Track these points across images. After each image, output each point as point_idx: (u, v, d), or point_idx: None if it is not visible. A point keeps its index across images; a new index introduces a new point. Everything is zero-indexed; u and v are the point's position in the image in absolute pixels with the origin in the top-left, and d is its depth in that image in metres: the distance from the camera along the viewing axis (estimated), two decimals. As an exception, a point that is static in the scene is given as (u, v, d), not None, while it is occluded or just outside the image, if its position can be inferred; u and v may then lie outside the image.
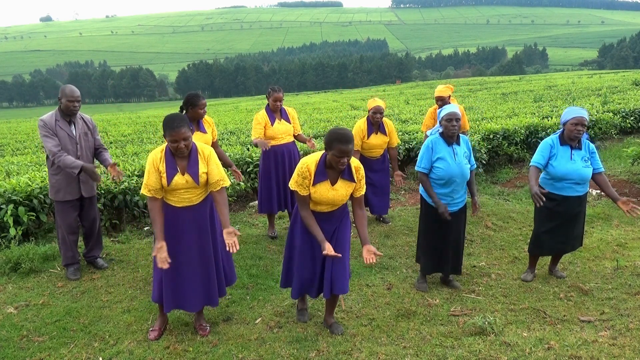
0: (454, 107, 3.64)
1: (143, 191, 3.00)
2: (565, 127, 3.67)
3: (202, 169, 3.04)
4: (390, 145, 5.23)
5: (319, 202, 2.93)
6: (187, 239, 3.11)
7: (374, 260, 2.82)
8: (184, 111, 4.28)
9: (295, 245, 3.16)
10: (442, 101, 5.46)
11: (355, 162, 3.02)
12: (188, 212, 3.09)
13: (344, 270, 3.10)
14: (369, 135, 5.05)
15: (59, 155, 3.93)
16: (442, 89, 5.54)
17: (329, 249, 2.82)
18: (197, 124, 4.35)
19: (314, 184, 2.91)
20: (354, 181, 2.98)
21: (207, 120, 4.50)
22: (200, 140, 4.23)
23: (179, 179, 2.98)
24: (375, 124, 5.08)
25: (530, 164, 3.76)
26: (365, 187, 3.09)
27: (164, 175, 2.97)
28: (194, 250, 3.12)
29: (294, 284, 3.20)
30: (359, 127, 5.07)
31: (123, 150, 10.51)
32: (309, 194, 2.92)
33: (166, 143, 3.00)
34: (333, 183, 2.95)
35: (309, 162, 2.92)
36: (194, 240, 3.12)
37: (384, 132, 5.12)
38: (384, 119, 5.14)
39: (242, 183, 6.26)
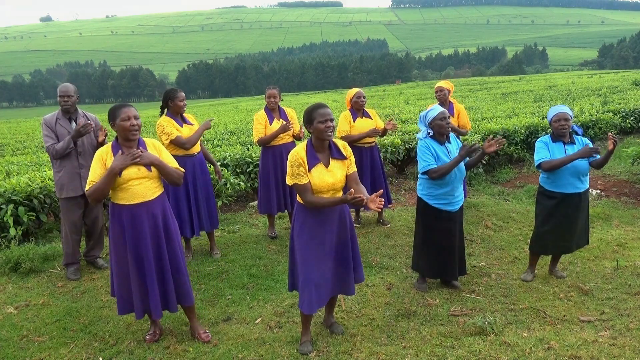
0: (440, 107, 3.69)
1: (86, 188, 2.90)
2: (552, 125, 3.81)
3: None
4: (379, 127, 5.21)
5: (320, 190, 2.91)
6: (145, 238, 3.00)
7: (382, 206, 2.69)
8: (165, 109, 4.35)
9: (300, 257, 3.02)
10: (441, 92, 5.44)
11: (340, 141, 3.06)
12: (143, 209, 2.99)
13: (358, 261, 3.17)
14: (354, 120, 5.13)
15: (53, 148, 4.05)
16: (443, 82, 5.62)
17: (349, 194, 2.71)
18: (181, 118, 4.36)
19: (309, 170, 2.90)
20: (344, 157, 3.00)
21: (191, 116, 4.53)
22: (190, 131, 4.30)
23: (131, 167, 2.93)
24: (359, 110, 5.17)
25: (540, 161, 3.75)
26: (355, 165, 3.07)
27: None
28: (152, 252, 3.03)
29: (308, 298, 2.98)
30: (343, 115, 5.19)
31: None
32: (309, 181, 2.90)
33: (109, 142, 3.02)
34: (327, 165, 2.94)
35: (298, 150, 2.93)
36: (151, 240, 3.02)
37: (368, 117, 5.22)
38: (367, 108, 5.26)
39: (241, 183, 6.27)
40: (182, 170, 3.16)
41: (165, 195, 3.17)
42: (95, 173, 2.91)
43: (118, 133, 2.97)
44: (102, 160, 2.94)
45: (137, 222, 2.98)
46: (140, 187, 2.96)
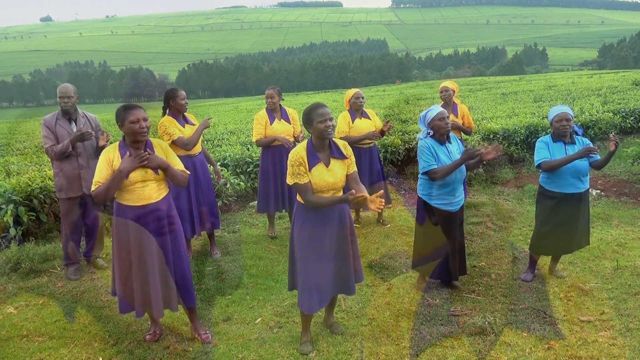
0: (439, 107, 3.69)
1: (92, 188, 2.89)
2: (553, 125, 3.82)
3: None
4: (377, 127, 5.23)
5: (321, 189, 2.91)
6: (149, 238, 2.98)
7: (383, 207, 2.70)
8: (167, 109, 4.33)
9: (300, 257, 3.04)
10: (446, 92, 5.41)
11: (340, 141, 3.06)
12: (149, 210, 2.98)
13: (358, 266, 3.17)
14: (353, 121, 5.12)
15: (52, 150, 4.04)
16: (448, 82, 5.59)
17: (350, 194, 2.72)
18: (183, 118, 4.36)
19: (310, 169, 2.90)
20: (345, 157, 3.01)
21: (192, 116, 4.53)
22: (193, 132, 4.30)
23: (138, 170, 2.91)
24: (357, 110, 5.17)
25: (540, 161, 3.76)
26: (355, 164, 3.08)
27: None
28: (156, 252, 3.01)
29: (308, 298, 3.00)
30: (342, 116, 5.18)
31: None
32: (309, 181, 2.90)
33: (116, 142, 3.00)
34: (327, 164, 2.95)
35: (298, 150, 2.93)
36: (155, 241, 3.01)
37: (367, 117, 5.21)
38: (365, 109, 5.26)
39: (241, 183, 6.27)
40: (188, 172, 3.15)
41: (171, 196, 3.16)
42: (102, 174, 2.89)
43: (126, 135, 2.95)
44: (109, 161, 2.92)
45: (142, 223, 2.98)
46: (147, 189, 2.96)
